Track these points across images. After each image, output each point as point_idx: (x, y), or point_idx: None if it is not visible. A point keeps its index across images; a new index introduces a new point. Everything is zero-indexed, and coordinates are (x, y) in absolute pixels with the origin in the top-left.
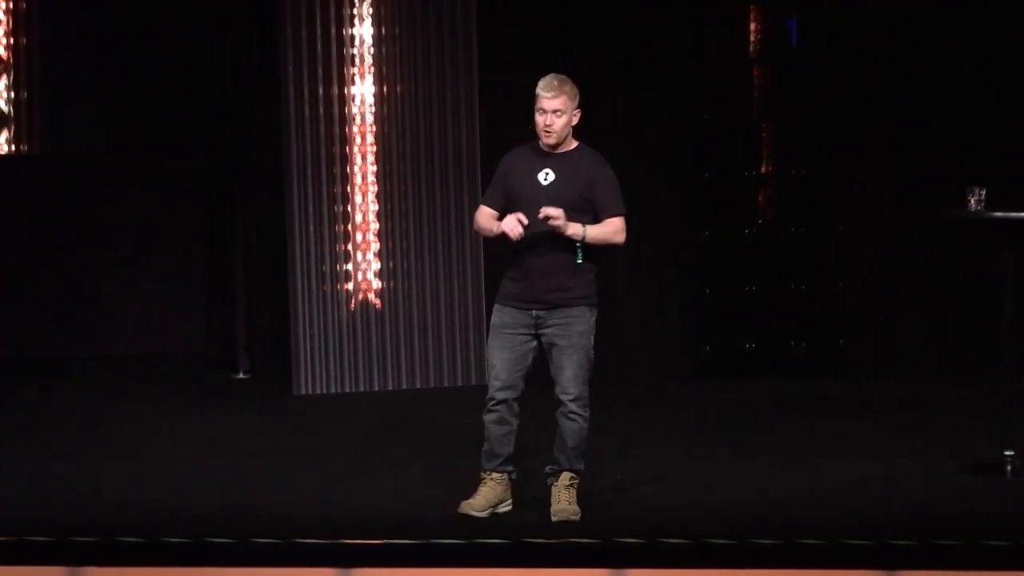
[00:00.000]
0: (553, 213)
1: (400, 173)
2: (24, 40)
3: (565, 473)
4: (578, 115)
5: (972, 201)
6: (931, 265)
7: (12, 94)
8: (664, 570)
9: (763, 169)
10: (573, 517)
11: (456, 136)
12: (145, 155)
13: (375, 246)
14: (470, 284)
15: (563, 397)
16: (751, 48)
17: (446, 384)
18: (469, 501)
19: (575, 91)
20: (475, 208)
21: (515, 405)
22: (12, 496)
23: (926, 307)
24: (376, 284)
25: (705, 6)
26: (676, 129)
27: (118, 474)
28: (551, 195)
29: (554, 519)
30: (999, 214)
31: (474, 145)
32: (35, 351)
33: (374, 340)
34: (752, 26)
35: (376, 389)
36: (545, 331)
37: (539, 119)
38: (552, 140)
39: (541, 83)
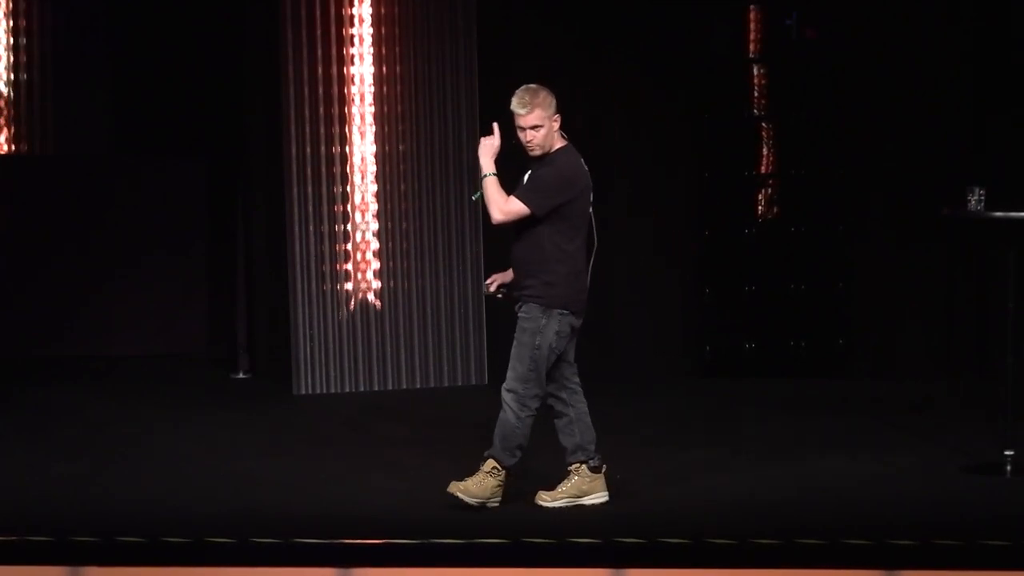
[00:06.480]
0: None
1: (400, 173)
2: (24, 58)
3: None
4: (558, 119)
5: (972, 201)
6: (931, 265)
7: (14, 111)
8: (664, 570)
9: (763, 169)
10: (458, 494)
11: (456, 136)
12: (146, 156)
13: (375, 246)
14: (470, 284)
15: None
16: (751, 47)
17: (446, 384)
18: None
19: (549, 98)
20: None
21: (561, 395)
22: (12, 496)
23: (926, 307)
24: (376, 284)
25: (705, 6)
26: (676, 129)
27: (118, 474)
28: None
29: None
30: (999, 214)
31: (474, 145)
32: (35, 351)
33: (374, 340)
34: (752, 25)
35: (376, 389)
36: None
37: (520, 135)
38: (537, 153)
39: (514, 100)
